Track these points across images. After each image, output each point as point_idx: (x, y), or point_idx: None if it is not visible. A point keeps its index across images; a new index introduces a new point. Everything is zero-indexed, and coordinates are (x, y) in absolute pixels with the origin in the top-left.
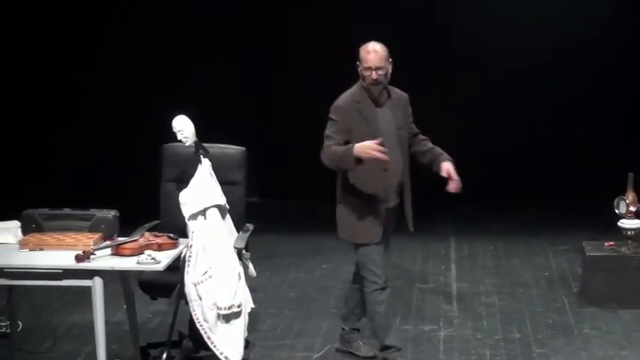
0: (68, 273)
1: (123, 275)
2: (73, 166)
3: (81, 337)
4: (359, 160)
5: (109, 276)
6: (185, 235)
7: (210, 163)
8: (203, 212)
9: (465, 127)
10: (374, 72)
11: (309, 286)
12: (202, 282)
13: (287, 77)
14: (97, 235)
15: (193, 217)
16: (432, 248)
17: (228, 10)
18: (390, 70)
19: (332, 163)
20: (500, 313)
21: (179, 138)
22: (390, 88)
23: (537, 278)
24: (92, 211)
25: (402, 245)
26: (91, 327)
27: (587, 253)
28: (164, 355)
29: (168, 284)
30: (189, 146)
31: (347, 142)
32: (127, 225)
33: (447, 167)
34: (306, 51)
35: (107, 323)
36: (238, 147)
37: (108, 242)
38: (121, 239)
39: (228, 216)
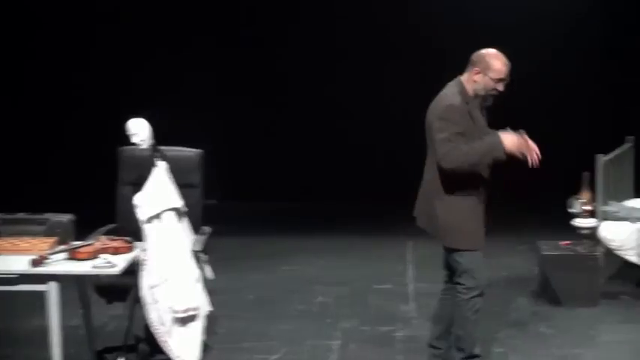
0: (24, 278)
1: (79, 279)
2: (28, 170)
3: (37, 342)
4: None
5: (65, 280)
6: (141, 239)
7: (166, 165)
8: (159, 215)
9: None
10: (503, 84)
11: (267, 289)
12: (159, 285)
13: (250, 79)
14: (52, 240)
15: (150, 220)
16: (390, 248)
17: (195, 12)
18: None
19: (472, 160)
20: None
21: (135, 141)
22: None
23: (495, 278)
24: (47, 215)
25: (359, 246)
26: (47, 333)
27: (543, 253)
28: None
29: (124, 288)
30: (146, 149)
31: None
32: (83, 229)
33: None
34: (265, 55)
35: (64, 328)
36: (195, 149)
37: (63, 246)
38: (76, 243)
39: (185, 219)
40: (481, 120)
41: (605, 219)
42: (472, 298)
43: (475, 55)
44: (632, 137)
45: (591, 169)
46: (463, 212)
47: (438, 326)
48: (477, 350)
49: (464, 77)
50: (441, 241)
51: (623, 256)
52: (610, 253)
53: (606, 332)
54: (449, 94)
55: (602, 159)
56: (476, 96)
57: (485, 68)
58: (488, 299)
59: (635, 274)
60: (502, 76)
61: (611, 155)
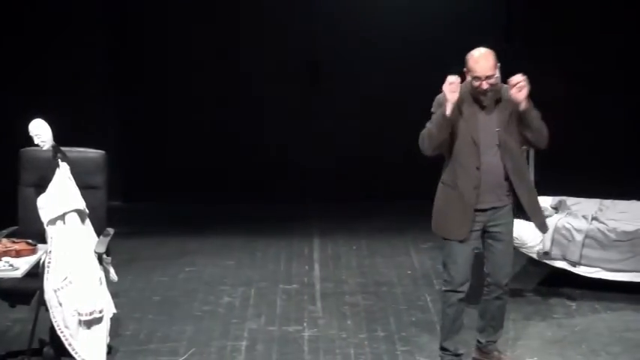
0: None
1: None
2: None
3: None
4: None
5: None
6: (44, 241)
7: (68, 167)
8: (62, 217)
9: (332, 133)
10: (484, 82)
11: (172, 290)
12: (63, 288)
13: (150, 79)
14: None
15: (52, 222)
16: (296, 248)
17: (89, 12)
18: (499, 75)
19: (430, 136)
20: (364, 312)
21: (36, 142)
22: (505, 88)
23: (401, 276)
24: None
25: (265, 246)
26: None
27: None
28: None
29: (27, 291)
30: (47, 150)
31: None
32: None
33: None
34: (166, 55)
35: None
36: (98, 150)
37: None
38: None
39: (88, 220)
40: (480, 120)
41: None
42: (446, 291)
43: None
44: None
45: None
46: (441, 200)
47: (481, 321)
48: (446, 344)
49: None
50: None
51: (527, 254)
52: (514, 251)
53: (513, 329)
54: None
55: None
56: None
57: (467, 69)
58: (394, 298)
59: (538, 272)
60: (477, 73)
61: None
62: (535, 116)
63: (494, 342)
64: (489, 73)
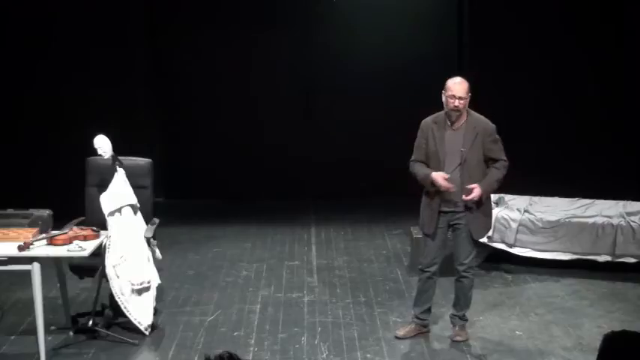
0: (12, 260)
1: (56, 260)
2: (16, 175)
3: (24, 310)
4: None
5: (45, 261)
6: (105, 228)
7: (124, 171)
8: (119, 210)
9: (325, 141)
10: (457, 100)
11: (203, 266)
12: (119, 264)
13: (183, 108)
14: (35, 230)
15: (111, 214)
16: (297, 234)
17: (133, 52)
18: (468, 101)
19: (415, 176)
20: (350, 282)
21: (99, 153)
22: (475, 116)
23: (377, 255)
24: (31, 210)
25: (274, 232)
26: (32, 302)
27: (414, 236)
28: (90, 322)
29: (92, 267)
30: (107, 159)
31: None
32: (59, 221)
33: (472, 187)
34: (194, 88)
35: (44, 298)
36: (146, 159)
37: (44, 235)
38: (54, 232)
39: (139, 212)
40: (447, 141)
41: None
42: (419, 269)
43: None
44: None
45: None
46: (421, 203)
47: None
48: (414, 309)
49: None
50: None
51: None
52: None
53: None
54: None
55: None
56: (447, 114)
57: (445, 89)
58: (373, 272)
59: (482, 252)
60: (452, 92)
61: None
62: (492, 190)
63: (458, 317)
64: (462, 95)
